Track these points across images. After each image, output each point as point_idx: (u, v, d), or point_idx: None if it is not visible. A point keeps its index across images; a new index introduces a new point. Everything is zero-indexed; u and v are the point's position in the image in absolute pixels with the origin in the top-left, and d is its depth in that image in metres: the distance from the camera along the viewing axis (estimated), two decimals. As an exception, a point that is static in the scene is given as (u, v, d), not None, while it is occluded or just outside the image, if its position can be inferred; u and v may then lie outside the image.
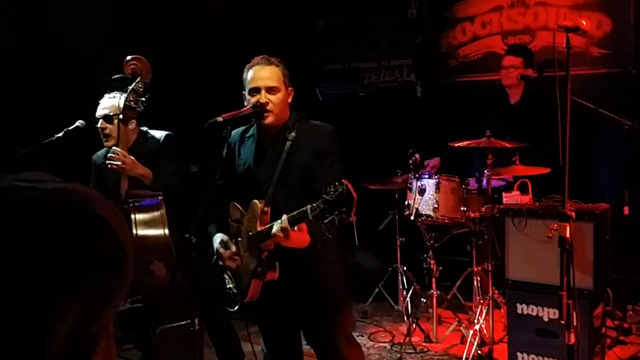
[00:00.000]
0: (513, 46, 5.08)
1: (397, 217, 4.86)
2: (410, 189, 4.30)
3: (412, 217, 4.25)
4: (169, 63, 3.66)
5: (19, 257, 0.66)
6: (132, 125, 3.41)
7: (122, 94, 3.45)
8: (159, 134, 3.56)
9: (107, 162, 3.32)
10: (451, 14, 5.74)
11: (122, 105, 3.39)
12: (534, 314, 3.63)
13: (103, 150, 3.62)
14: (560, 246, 2.69)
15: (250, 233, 2.76)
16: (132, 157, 3.30)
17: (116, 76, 3.35)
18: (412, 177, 4.30)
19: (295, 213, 2.48)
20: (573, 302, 2.66)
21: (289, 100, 2.85)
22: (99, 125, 3.49)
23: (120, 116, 3.31)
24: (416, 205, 4.20)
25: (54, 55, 4.61)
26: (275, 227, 2.56)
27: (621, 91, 4.82)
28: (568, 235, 2.67)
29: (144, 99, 3.32)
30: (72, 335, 0.69)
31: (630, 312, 4.41)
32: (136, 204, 3.28)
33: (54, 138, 3.57)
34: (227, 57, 5.43)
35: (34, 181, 0.71)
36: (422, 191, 4.19)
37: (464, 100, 5.46)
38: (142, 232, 3.25)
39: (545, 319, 3.59)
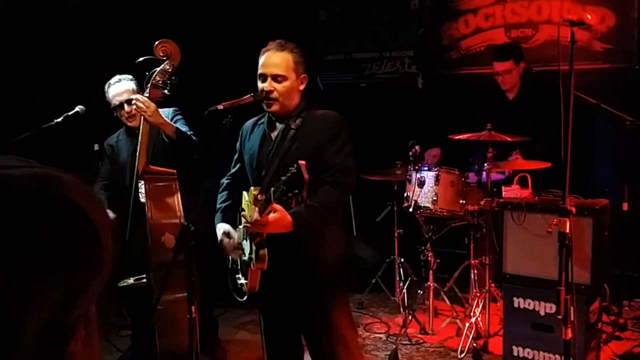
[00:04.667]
0: (497, 51, 4.66)
1: (395, 208, 4.86)
2: (410, 181, 4.29)
3: (410, 209, 4.24)
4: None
5: None
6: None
7: (128, 78, 3.59)
8: (166, 111, 3.63)
9: (133, 104, 3.34)
10: (454, 6, 5.71)
11: (135, 87, 3.54)
12: (531, 308, 3.64)
13: (114, 135, 3.79)
14: (559, 241, 2.68)
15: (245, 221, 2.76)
16: (155, 105, 3.32)
17: (143, 58, 3.33)
18: (412, 168, 4.29)
19: (264, 197, 2.49)
20: (571, 297, 2.65)
21: (301, 88, 2.80)
22: (125, 109, 3.56)
23: (146, 93, 3.33)
24: (415, 197, 4.19)
25: (53, 41, 4.58)
26: (249, 217, 2.60)
27: (623, 87, 4.80)
28: (568, 230, 2.67)
29: (170, 80, 3.32)
30: (47, 325, 0.67)
31: (626, 308, 4.43)
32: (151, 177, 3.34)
33: (52, 123, 3.56)
34: (228, 46, 5.41)
35: (2, 167, 0.67)
36: (421, 183, 4.18)
37: (465, 93, 5.43)
38: (155, 205, 3.28)
39: (542, 313, 3.60)
